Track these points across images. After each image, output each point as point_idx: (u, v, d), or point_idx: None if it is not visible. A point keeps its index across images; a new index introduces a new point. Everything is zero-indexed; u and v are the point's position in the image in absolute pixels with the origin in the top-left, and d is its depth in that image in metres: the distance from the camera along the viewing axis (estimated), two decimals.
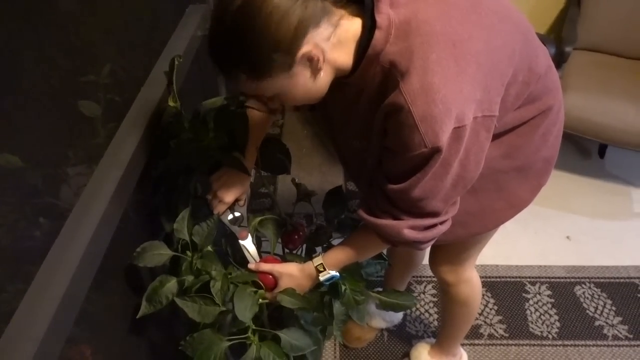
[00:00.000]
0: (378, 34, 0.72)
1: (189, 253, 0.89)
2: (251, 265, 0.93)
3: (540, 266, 1.85)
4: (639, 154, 2.21)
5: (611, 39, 2.14)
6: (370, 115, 0.79)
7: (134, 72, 0.96)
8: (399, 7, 0.72)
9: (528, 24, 0.86)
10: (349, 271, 0.93)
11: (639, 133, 1.86)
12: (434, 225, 0.82)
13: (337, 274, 0.90)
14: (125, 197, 0.78)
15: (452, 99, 0.70)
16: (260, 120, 1.00)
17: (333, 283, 0.92)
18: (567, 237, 1.97)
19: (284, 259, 0.99)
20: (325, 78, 0.76)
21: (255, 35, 0.66)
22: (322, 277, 0.90)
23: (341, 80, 0.78)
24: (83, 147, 0.75)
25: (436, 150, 0.72)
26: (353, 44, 0.74)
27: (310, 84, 0.74)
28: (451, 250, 1.17)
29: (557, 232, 1.98)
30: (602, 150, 2.28)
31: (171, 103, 0.93)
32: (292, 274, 0.92)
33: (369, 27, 0.73)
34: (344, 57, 0.75)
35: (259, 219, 1.00)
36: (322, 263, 0.90)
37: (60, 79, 0.68)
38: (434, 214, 0.81)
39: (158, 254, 0.86)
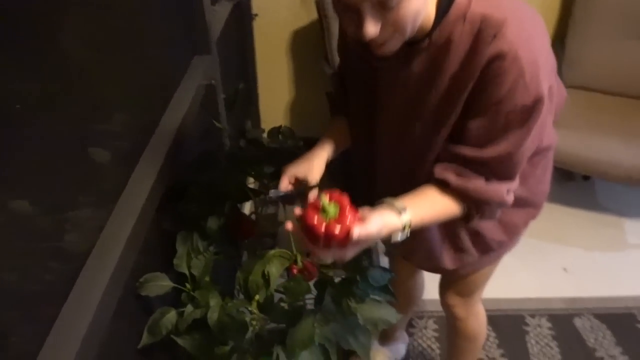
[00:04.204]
0: None
1: (188, 285, 0.92)
2: (324, 196, 0.71)
3: (539, 299, 1.87)
4: (627, 186, 2.28)
5: (597, 77, 2.24)
6: (459, 79, 0.76)
7: (143, 120, 1.01)
8: None
9: None
10: (354, 269, 0.94)
11: (626, 167, 1.92)
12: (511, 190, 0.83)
13: (402, 236, 0.78)
14: (139, 240, 0.82)
15: (545, 53, 0.74)
16: (340, 128, 1.03)
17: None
18: (564, 269, 2.00)
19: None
20: (429, 9, 0.74)
21: None
22: (397, 237, 0.77)
23: (416, 46, 0.77)
24: (92, 192, 0.78)
25: (539, 101, 0.72)
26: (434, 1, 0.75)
27: (423, 5, 0.71)
28: (464, 284, 1.19)
29: (554, 264, 2.01)
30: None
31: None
32: (382, 213, 0.75)
33: None
34: (432, 5, 0.74)
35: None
36: (410, 221, 0.76)
37: (72, 126, 0.71)
38: (515, 177, 0.82)
39: (160, 284, 0.89)
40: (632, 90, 2.21)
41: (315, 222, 0.70)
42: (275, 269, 0.95)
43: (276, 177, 0.96)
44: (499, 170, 0.79)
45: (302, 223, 0.72)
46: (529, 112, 0.73)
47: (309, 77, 2.35)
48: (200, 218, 0.99)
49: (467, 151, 0.79)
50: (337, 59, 1.05)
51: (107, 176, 0.84)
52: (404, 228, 0.76)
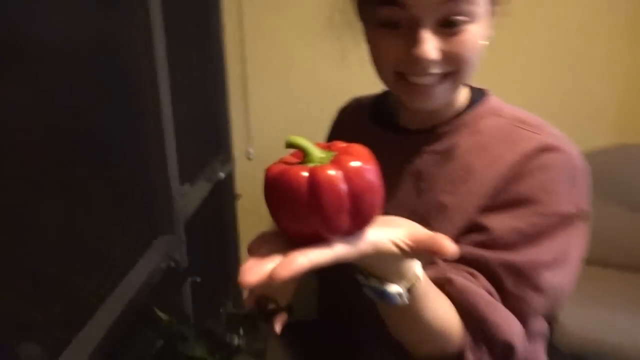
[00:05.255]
0: (493, 97, 0.69)
1: None
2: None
3: None
4: None
5: (597, 249, 2.14)
6: (490, 170, 0.62)
7: (86, 307, 0.87)
8: None
9: None
10: None
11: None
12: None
13: (399, 293, 0.48)
14: None
15: None
16: None
17: None
18: None
19: None
20: (461, 93, 0.68)
21: None
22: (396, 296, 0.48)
23: (439, 129, 0.67)
24: None
25: (583, 216, 0.60)
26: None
27: (480, 46, 0.59)
28: None
29: None
30: None
31: None
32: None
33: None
34: (464, 90, 0.69)
35: None
36: (422, 280, 0.50)
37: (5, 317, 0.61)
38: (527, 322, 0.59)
39: None
40: (627, 260, 2.10)
41: (306, 174, 0.38)
42: None
43: None
44: (515, 292, 0.58)
45: (280, 192, 0.39)
46: (570, 224, 0.59)
47: None
48: None
49: (483, 252, 0.59)
50: None
51: None
52: (410, 285, 0.48)
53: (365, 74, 2.00)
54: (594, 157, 2.11)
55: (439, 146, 0.67)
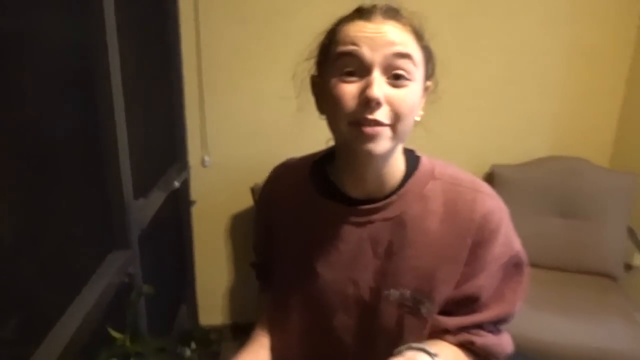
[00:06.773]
0: (424, 158, 0.79)
1: None
2: None
3: None
4: None
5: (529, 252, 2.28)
6: (449, 237, 0.74)
7: (42, 326, 0.87)
8: None
9: None
10: None
11: (575, 346, 1.84)
12: None
13: None
14: None
15: None
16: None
17: None
18: None
19: None
20: (398, 164, 0.76)
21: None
22: None
23: (386, 200, 0.75)
24: None
25: (520, 250, 0.78)
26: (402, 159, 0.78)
27: (415, 112, 0.71)
28: None
29: None
30: None
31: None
32: None
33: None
34: (400, 160, 0.77)
35: None
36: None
37: None
38: None
39: None
40: (559, 262, 2.26)
41: None
42: None
43: None
44: (503, 321, 0.79)
45: None
46: (520, 257, 0.78)
47: (249, 260, 2.28)
48: None
49: (477, 317, 0.76)
50: None
51: None
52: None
53: None
54: (530, 168, 2.26)
55: (388, 214, 0.75)
